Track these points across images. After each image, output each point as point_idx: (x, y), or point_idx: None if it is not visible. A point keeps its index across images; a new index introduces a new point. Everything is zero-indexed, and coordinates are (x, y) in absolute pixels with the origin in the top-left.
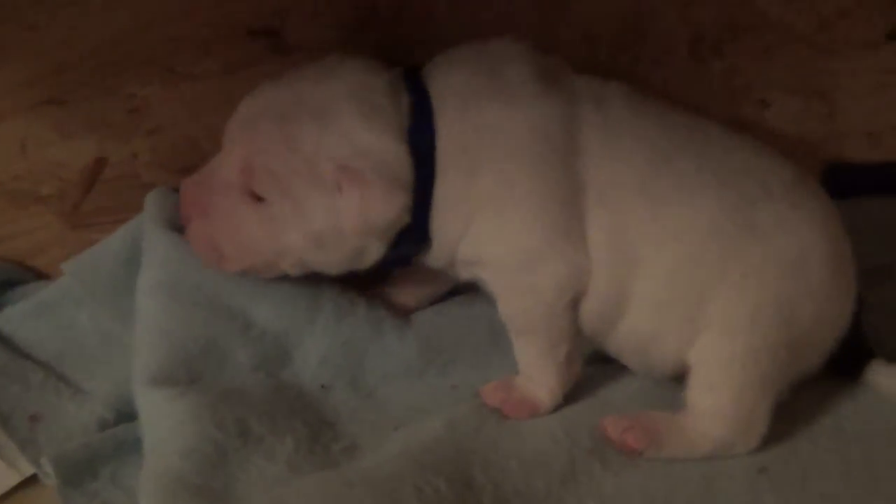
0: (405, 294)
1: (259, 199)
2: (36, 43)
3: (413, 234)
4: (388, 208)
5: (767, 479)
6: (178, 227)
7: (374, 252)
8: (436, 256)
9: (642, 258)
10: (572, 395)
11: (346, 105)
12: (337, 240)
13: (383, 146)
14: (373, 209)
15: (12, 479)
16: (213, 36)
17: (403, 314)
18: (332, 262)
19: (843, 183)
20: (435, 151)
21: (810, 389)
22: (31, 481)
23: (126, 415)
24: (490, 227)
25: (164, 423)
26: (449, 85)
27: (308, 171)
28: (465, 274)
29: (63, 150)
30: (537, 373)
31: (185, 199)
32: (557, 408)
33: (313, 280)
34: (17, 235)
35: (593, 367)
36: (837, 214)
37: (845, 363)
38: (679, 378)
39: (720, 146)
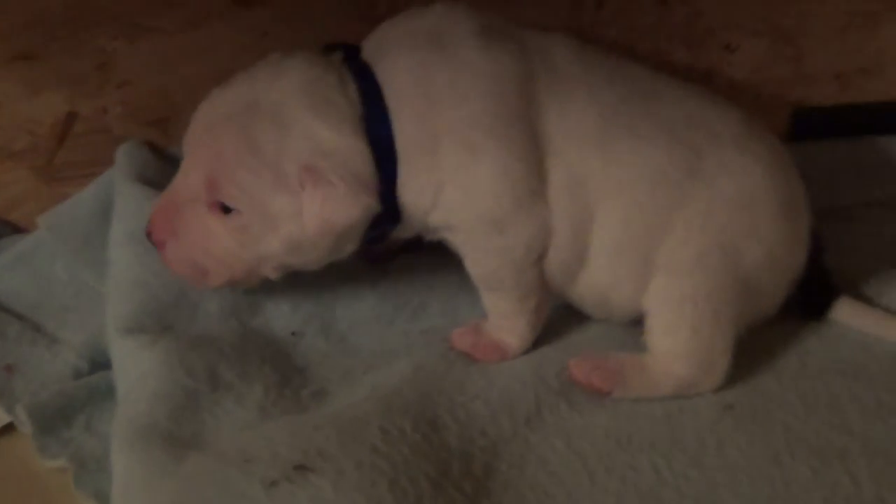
0: None
1: (228, 210)
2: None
3: (384, 218)
4: (351, 211)
5: (731, 416)
6: (148, 179)
7: (351, 244)
8: (406, 229)
9: (597, 209)
10: (539, 338)
11: (299, 104)
12: (312, 241)
13: (342, 142)
14: (335, 212)
15: None
16: None
17: (374, 261)
18: (312, 260)
19: (812, 126)
20: (393, 135)
21: (776, 329)
22: (7, 429)
23: (100, 364)
24: (459, 195)
25: (136, 370)
26: (394, 63)
27: (273, 175)
28: (432, 237)
29: (34, 106)
30: (508, 322)
31: (156, 224)
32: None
33: None
34: None
35: (559, 310)
36: (787, 159)
37: (811, 303)
38: (640, 322)
39: (669, 97)
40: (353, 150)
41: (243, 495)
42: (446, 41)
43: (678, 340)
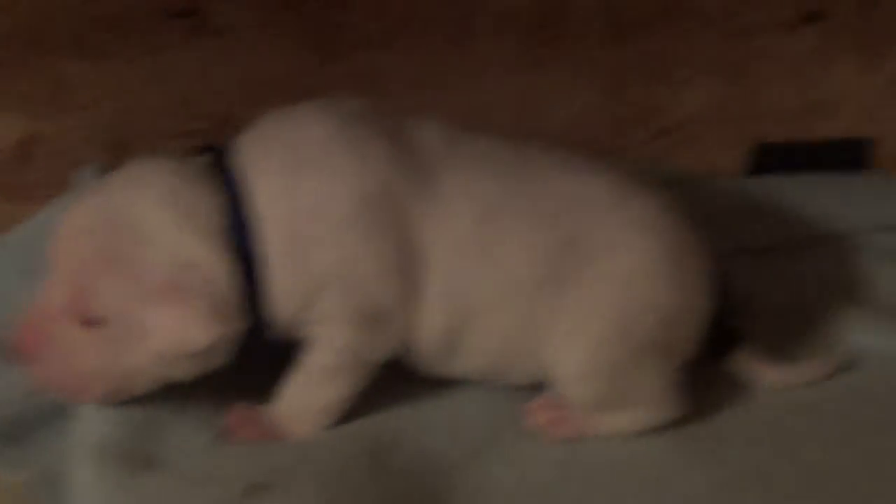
0: None
1: (94, 323)
2: None
3: (255, 328)
4: (204, 336)
5: (686, 448)
6: None
7: (221, 356)
8: (277, 331)
9: (478, 314)
10: None
11: (160, 215)
12: (182, 356)
13: (205, 256)
14: (187, 335)
15: None
16: (135, 16)
17: None
18: (184, 373)
19: (767, 162)
20: (258, 245)
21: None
22: None
23: None
24: (335, 301)
25: None
26: (263, 170)
27: (135, 289)
28: (296, 334)
29: None
30: (310, 417)
31: (20, 345)
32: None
33: None
34: None
35: None
36: (669, 215)
37: (713, 347)
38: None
39: (542, 181)
40: (215, 265)
41: None
42: (314, 147)
43: (603, 402)
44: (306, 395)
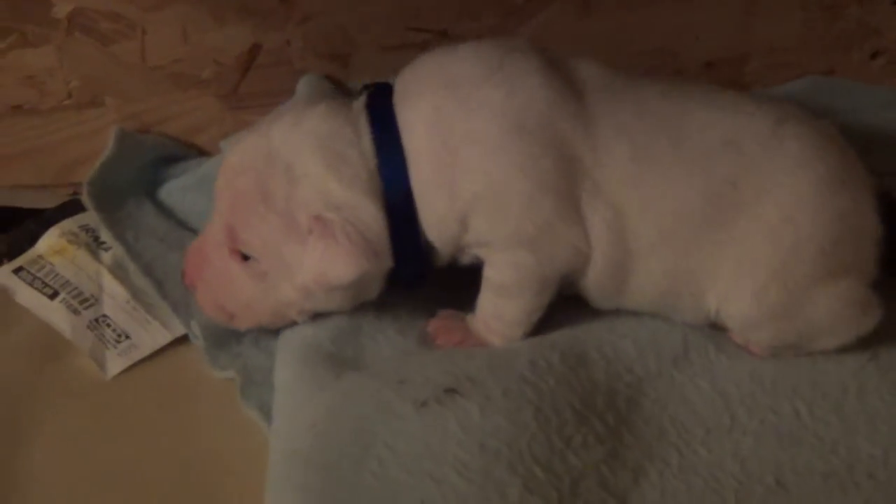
0: None
1: (247, 256)
2: None
3: (410, 262)
4: (347, 272)
5: (875, 365)
6: None
7: (372, 289)
8: (439, 260)
9: (638, 254)
10: None
11: (311, 158)
12: (328, 290)
13: (352, 199)
14: (331, 268)
15: (165, 338)
16: None
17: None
18: (334, 306)
19: None
20: (409, 183)
21: None
22: (182, 340)
23: None
24: (488, 223)
25: None
26: (415, 105)
27: (285, 224)
28: (464, 260)
29: (221, 37)
30: (505, 328)
31: (188, 266)
32: None
33: None
34: (180, 115)
35: None
36: (828, 141)
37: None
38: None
39: (695, 122)
40: (362, 207)
41: (395, 413)
42: (468, 82)
43: (788, 337)
44: (494, 308)
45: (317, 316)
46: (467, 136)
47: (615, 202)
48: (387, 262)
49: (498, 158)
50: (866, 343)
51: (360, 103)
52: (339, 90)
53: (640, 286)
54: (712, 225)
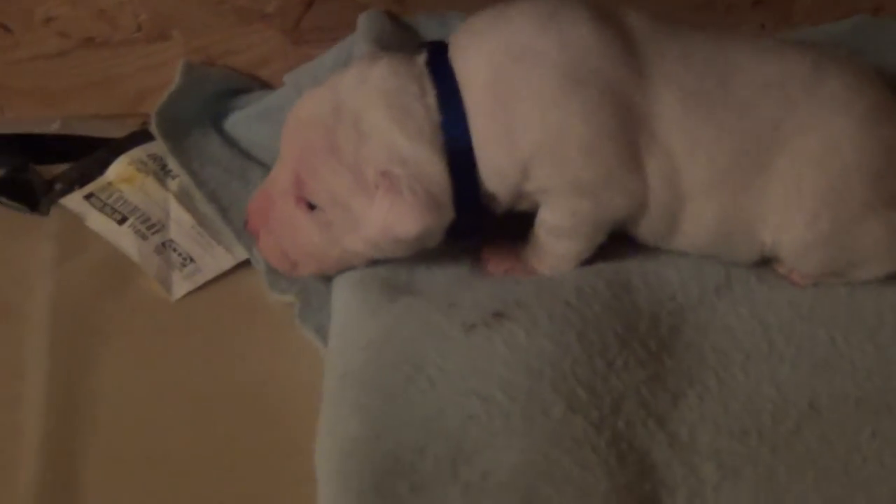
0: None
1: (314, 206)
2: None
3: (470, 213)
4: (412, 226)
5: None
6: (385, 44)
7: (434, 239)
8: (498, 208)
9: (689, 193)
10: None
11: (378, 112)
12: (393, 242)
13: (418, 153)
14: (397, 223)
15: (228, 262)
16: None
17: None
18: (397, 254)
19: None
20: (470, 137)
21: None
22: (244, 265)
23: None
24: (549, 171)
25: None
26: (473, 61)
27: (353, 177)
28: (522, 206)
29: None
30: (557, 262)
31: (252, 212)
32: None
33: None
34: (245, 49)
35: None
36: (868, 78)
37: None
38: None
39: (738, 67)
40: (427, 161)
41: (444, 334)
42: (522, 38)
43: (827, 262)
44: (546, 246)
45: None
46: (524, 91)
47: (668, 147)
48: (449, 215)
49: (556, 110)
50: None
51: (421, 59)
52: (397, 25)
53: (693, 228)
54: (761, 162)
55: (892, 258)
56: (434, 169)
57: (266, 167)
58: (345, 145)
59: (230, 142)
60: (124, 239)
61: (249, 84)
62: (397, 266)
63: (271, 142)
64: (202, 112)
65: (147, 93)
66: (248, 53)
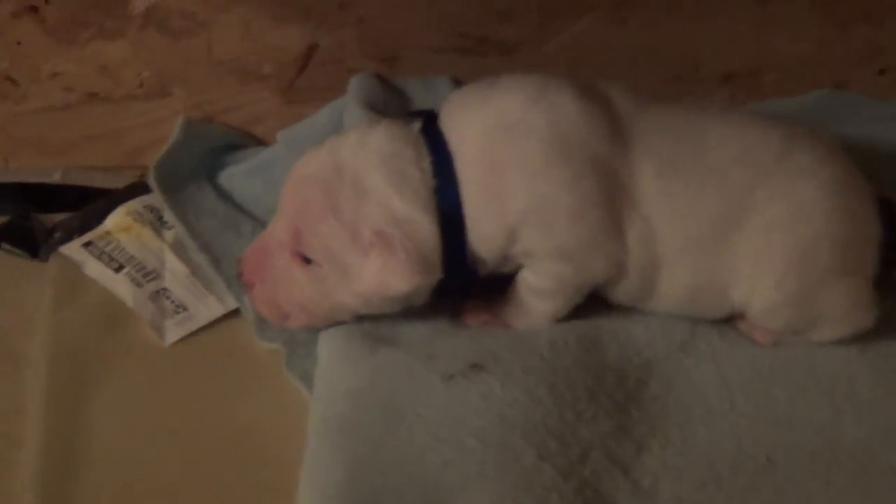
0: None
1: (309, 261)
2: None
3: (457, 273)
4: (404, 285)
5: (864, 358)
6: (375, 106)
7: (422, 297)
8: (483, 270)
9: (665, 259)
10: None
11: (377, 175)
12: (383, 299)
13: (413, 216)
14: (390, 280)
15: (219, 311)
16: None
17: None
18: (386, 309)
19: None
20: (461, 204)
21: None
22: (235, 313)
23: None
24: (534, 234)
25: None
26: (467, 134)
27: (350, 235)
28: (506, 269)
29: (281, 36)
30: (533, 320)
31: (247, 265)
32: None
33: None
34: (241, 107)
35: None
36: (836, 154)
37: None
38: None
39: (712, 137)
40: (421, 224)
41: (424, 384)
42: (511, 111)
43: (790, 321)
44: (525, 305)
45: None
46: (514, 161)
47: (646, 213)
48: (438, 275)
49: (543, 180)
50: (858, 337)
51: (416, 126)
52: (387, 87)
53: (669, 290)
54: (733, 228)
55: (850, 321)
56: (427, 231)
57: (257, 220)
58: (344, 204)
59: (224, 195)
60: (120, 286)
61: (244, 140)
62: (380, 318)
63: (263, 196)
64: (198, 166)
65: (146, 146)
66: (244, 111)
